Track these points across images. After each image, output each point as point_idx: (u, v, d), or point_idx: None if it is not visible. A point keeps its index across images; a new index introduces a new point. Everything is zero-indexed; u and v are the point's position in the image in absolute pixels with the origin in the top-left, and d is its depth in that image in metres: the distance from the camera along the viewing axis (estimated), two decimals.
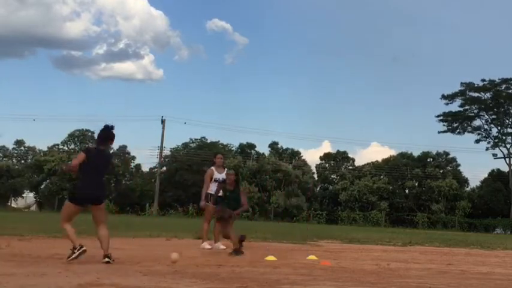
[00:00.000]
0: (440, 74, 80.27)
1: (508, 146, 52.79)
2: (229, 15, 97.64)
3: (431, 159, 54.31)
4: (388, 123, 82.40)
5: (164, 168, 52.72)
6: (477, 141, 54.34)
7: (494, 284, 6.25)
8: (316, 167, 57.05)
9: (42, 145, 56.17)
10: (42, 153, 55.39)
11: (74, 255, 6.47)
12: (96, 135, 6.96)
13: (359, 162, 58.68)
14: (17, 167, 56.30)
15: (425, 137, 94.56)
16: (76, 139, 55.52)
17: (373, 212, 48.64)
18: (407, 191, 53.51)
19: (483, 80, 52.31)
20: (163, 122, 49.62)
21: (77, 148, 55.22)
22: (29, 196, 56.05)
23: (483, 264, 9.09)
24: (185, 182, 48.18)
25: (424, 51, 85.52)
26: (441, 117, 54.30)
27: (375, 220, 47.46)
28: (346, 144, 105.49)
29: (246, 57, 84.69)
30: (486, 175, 53.77)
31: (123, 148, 56.40)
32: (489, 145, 53.88)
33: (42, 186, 52.11)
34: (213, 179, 9.96)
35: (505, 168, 52.99)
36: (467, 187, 54.28)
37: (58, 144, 56.06)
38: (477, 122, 54.80)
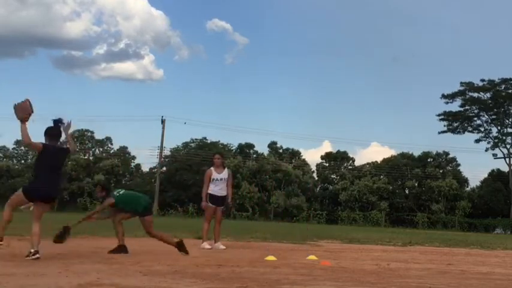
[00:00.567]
0: (440, 74, 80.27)
1: (508, 146, 52.83)
2: (229, 15, 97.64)
3: (432, 159, 54.32)
4: (388, 123, 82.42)
5: (164, 168, 52.72)
6: (477, 141, 54.39)
7: (494, 284, 6.25)
8: (316, 167, 57.10)
9: None
10: None
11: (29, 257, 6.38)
12: (47, 132, 6.94)
13: (359, 162, 58.79)
14: (17, 167, 56.27)
15: (426, 137, 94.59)
16: (75, 139, 55.46)
17: (373, 212, 48.64)
18: (407, 191, 53.51)
19: (483, 80, 52.38)
20: (163, 122, 49.65)
21: (76, 149, 55.18)
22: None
23: (483, 264, 9.09)
24: (185, 182, 48.19)
25: (424, 51, 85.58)
26: (442, 116, 54.35)
27: (375, 220, 47.46)
28: (346, 144, 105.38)
29: (246, 57, 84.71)
30: (486, 175, 53.86)
31: (123, 148, 56.44)
32: (489, 145, 53.95)
33: None
34: (211, 179, 9.98)
35: (505, 168, 53.08)
36: (467, 187, 54.38)
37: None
38: (477, 122, 54.93)
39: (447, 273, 7.09)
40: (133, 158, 56.96)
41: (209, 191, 9.96)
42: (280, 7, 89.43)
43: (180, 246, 8.10)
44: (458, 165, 54.34)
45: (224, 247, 9.75)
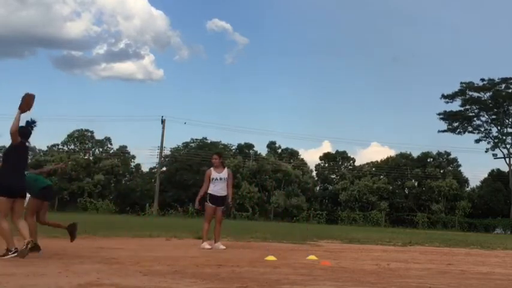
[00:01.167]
0: (440, 74, 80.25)
1: (508, 146, 52.83)
2: (229, 15, 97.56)
3: (432, 159, 54.32)
4: (388, 123, 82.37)
5: (164, 168, 52.73)
6: (477, 141, 54.36)
7: (494, 284, 6.25)
8: (316, 167, 57.10)
9: (42, 145, 56.05)
10: (42, 153, 55.33)
11: (6, 257, 6.43)
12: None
13: (359, 162, 58.71)
14: None
15: (426, 137, 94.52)
16: (75, 140, 55.45)
17: (373, 212, 48.64)
18: (407, 191, 53.50)
19: (483, 80, 52.38)
20: (163, 122, 49.66)
21: (76, 149, 55.18)
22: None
23: (483, 264, 9.09)
24: (185, 182, 48.19)
25: (424, 51, 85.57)
26: (442, 116, 54.34)
27: (375, 220, 47.47)
28: (346, 144, 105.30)
29: (246, 57, 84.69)
30: (486, 175, 53.82)
31: (123, 148, 56.41)
32: (489, 146, 53.93)
33: None
34: (211, 179, 9.99)
35: (505, 168, 53.05)
36: (467, 187, 54.36)
37: (58, 144, 55.99)
38: (477, 122, 54.93)
39: (447, 273, 7.09)
40: (133, 158, 57.04)
41: (209, 191, 9.96)
42: (280, 7, 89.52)
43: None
44: (459, 165, 54.47)
45: (224, 247, 9.75)
